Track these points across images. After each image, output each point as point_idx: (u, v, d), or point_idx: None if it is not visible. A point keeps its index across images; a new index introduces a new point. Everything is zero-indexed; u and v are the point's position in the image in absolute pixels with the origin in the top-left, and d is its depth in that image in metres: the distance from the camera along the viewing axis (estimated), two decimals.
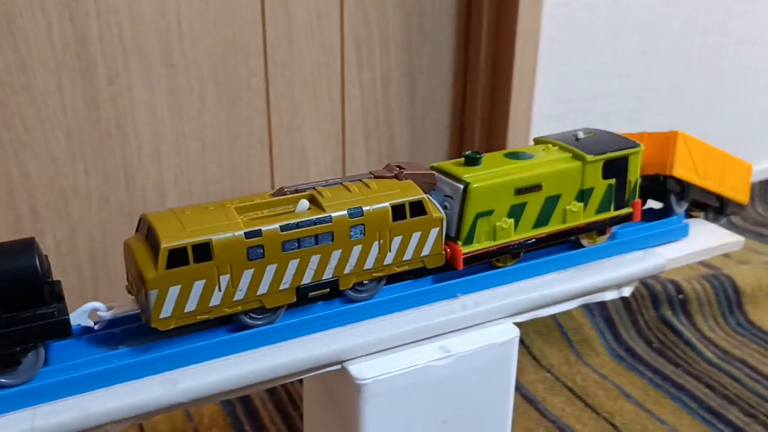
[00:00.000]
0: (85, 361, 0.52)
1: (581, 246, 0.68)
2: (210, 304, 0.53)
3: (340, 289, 0.58)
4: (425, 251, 0.60)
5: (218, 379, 0.53)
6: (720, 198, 0.82)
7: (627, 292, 0.68)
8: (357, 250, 0.57)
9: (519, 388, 1.01)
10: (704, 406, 0.97)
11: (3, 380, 0.49)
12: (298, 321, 0.57)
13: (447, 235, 0.62)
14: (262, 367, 0.54)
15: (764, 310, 1.20)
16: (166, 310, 0.51)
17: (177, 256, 0.50)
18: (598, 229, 0.69)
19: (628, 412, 0.96)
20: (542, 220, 0.65)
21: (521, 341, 1.12)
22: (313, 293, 0.57)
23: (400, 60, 1.13)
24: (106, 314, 0.54)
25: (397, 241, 0.58)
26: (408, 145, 1.19)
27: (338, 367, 0.58)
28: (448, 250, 0.62)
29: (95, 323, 0.54)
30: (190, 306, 0.52)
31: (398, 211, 0.58)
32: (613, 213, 0.69)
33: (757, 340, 1.13)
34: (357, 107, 1.11)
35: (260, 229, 0.53)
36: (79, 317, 0.53)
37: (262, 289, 0.54)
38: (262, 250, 0.53)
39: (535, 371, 1.05)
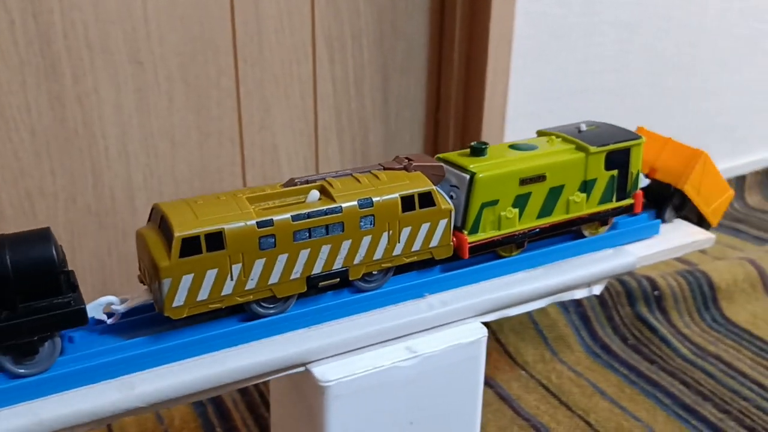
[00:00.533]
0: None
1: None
2: (222, 293, 0.53)
3: (350, 279, 0.58)
4: (434, 242, 0.61)
5: (177, 382, 0.52)
6: (701, 217, 0.83)
7: (597, 290, 0.68)
8: (367, 240, 0.57)
9: (493, 387, 1.00)
10: (679, 403, 0.97)
11: (21, 370, 0.49)
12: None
13: (453, 225, 0.62)
14: (222, 371, 0.53)
15: (739, 305, 1.21)
16: (179, 299, 0.51)
17: (190, 245, 0.50)
18: (600, 219, 0.70)
19: (603, 409, 0.95)
20: (546, 210, 0.66)
21: (497, 339, 1.11)
22: (323, 283, 0.57)
23: (373, 57, 1.12)
24: (120, 307, 0.55)
25: (406, 231, 0.59)
26: (382, 143, 1.18)
27: (302, 369, 0.57)
28: (454, 239, 0.62)
29: (109, 317, 0.55)
30: (203, 295, 0.52)
31: (408, 203, 0.58)
32: (615, 204, 0.70)
33: (731, 335, 1.13)
34: (329, 105, 1.10)
35: (272, 219, 0.53)
36: (93, 310, 0.53)
37: (274, 278, 0.55)
38: (273, 240, 0.53)
39: (510, 369, 1.04)
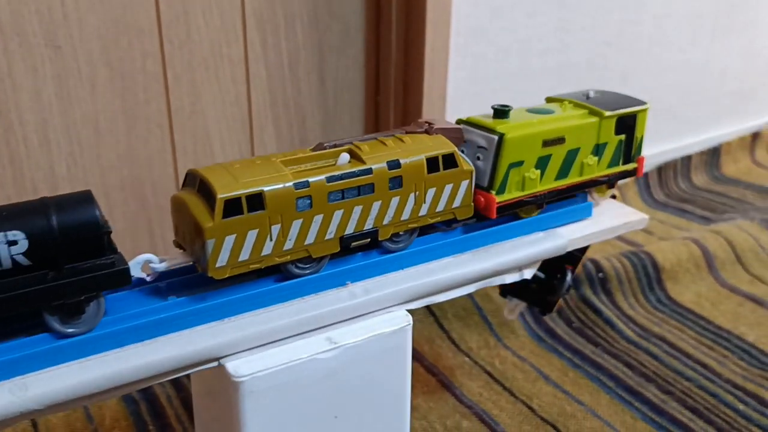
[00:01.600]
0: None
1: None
2: (262, 254, 0.55)
3: (379, 239, 0.60)
4: (456, 203, 0.63)
5: (78, 381, 0.49)
6: None
7: (528, 274, 0.66)
8: (395, 201, 0.59)
9: (436, 374, 0.98)
10: (622, 385, 0.96)
11: (68, 330, 0.50)
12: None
13: (480, 186, 0.65)
14: (124, 368, 0.50)
15: (684, 286, 1.20)
16: (222, 259, 0.53)
17: (232, 206, 0.52)
18: (609, 182, 0.73)
19: (546, 394, 0.94)
20: (563, 172, 0.69)
21: (440, 326, 1.09)
22: (355, 243, 0.59)
23: (308, 39, 1.09)
24: (159, 266, 0.55)
25: (431, 192, 0.61)
26: (321, 127, 1.15)
27: (215, 364, 0.54)
28: (482, 199, 0.64)
29: (147, 275, 0.56)
30: (244, 255, 0.54)
31: (432, 164, 0.60)
32: (621, 168, 0.74)
33: (676, 316, 1.13)
34: (263, 89, 1.07)
35: (308, 181, 0.55)
36: (132, 269, 0.53)
37: (310, 238, 0.56)
38: (309, 201, 0.55)
39: (454, 356, 1.03)
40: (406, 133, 0.63)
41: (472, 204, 0.64)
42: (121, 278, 0.51)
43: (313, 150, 0.59)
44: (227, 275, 0.53)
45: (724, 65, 1.70)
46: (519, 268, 0.65)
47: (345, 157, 0.58)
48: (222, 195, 0.52)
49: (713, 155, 1.73)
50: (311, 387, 0.56)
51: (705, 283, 1.21)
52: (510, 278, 0.65)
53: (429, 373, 0.99)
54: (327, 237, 0.57)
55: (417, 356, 1.02)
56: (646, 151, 1.60)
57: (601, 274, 1.16)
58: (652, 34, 1.50)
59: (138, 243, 1.04)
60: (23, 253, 0.47)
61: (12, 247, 0.47)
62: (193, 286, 0.58)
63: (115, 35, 0.92)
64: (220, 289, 0.57)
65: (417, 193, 0.60)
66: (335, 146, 0.59)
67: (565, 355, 1.03)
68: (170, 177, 1.03)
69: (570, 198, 0.70)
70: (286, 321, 0.55)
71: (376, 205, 0.58)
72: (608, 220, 0.70)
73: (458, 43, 1.17)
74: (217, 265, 0.53)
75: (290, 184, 0.54)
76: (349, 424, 0.59)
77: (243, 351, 0.54)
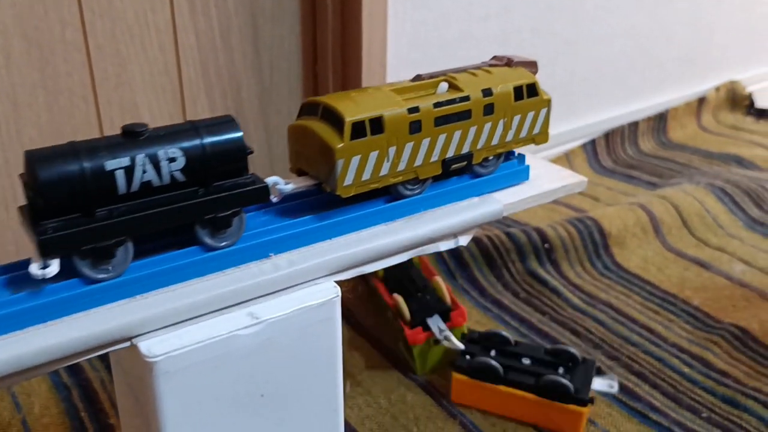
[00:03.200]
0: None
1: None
2: (380, 174, 0.59)
3: (473, 163, 0.65)
4: (536, 129, 0.67)
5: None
6: None
7: (464, 241, 0.63)
8: (487, 127, 0.63)
9: (381, 349, 0.96)
10: None
11: (218, 243, 0.54)
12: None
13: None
14: (24, 352, 0.46)
15: (630, 251, 1.19)
16: (349, 179, 0.57)
17: (358, 129, 0.56)
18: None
19: None
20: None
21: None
22: (454, 166, 0.63)
23: (240, 5, 1.04)
24: (286, 188, 0.58)
25: (516, 119, 0.65)
26: (257, 97, 1.11)
27: (127, 344, 0.50)
28: None
29: (274, 197, 0.59)
30: (366, 175, 0.58)
31: (518, 92, 0.65)
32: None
33: (622, 281, 1.12)
34: (194, 59, 1.02)
35: (418, 107, 0.59)
36: None
37: (418, 160, 0.61)
38: (419, 125, 0.59)
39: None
40: (491, 66, 0.67)
41: (549, 132, 0.69)
42: (261, 194, 0.54)
43: (412, 80, 0.63)
44: (352, 194, 0.58)
45: (670, 30, 1.69)
46: (454, 234, 0.62)
47: (444, 86, 0.62)
48: (349, 119, 0.56)
49: (660, 121, 1.73)
50: (233, 365, 0.52)
51: (651, 248, 1.21)
52: (444, 245, 0.62)
53: (374, 348, 0.96)
54: (432, 159, 0.62)
55: (362, 332, 1.00)
56: (594, 118, 1.60)
57: (546, 245, 1.14)
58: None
59: None
60: (180, 170, 0.51)
61: (171, 164, 0.50)
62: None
63: (29, 3, 0.87)
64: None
65: (505, 119, 0.64)
66: (432, 77, 0.63)
67: (511, 325, 1.01)
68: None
69: (507, 161, 0.68)
70: (203, 296, 0.52)
71: (472, 130, 0.63)
72: (546, 184, 0.67)
73: (397, 10, 1.14)
74: (345, 184, 0.57)
75: (404, 109, 0.58)
76: (278, 403, 0.56)
77: (158, 329, 0.51)
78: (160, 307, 0.50)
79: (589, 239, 1.18)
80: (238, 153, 0.53)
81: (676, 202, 1.28)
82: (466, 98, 0.61)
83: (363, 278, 1.04)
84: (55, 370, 0.90)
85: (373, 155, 0.58)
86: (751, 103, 1.89)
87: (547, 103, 0.67)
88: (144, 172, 0.50)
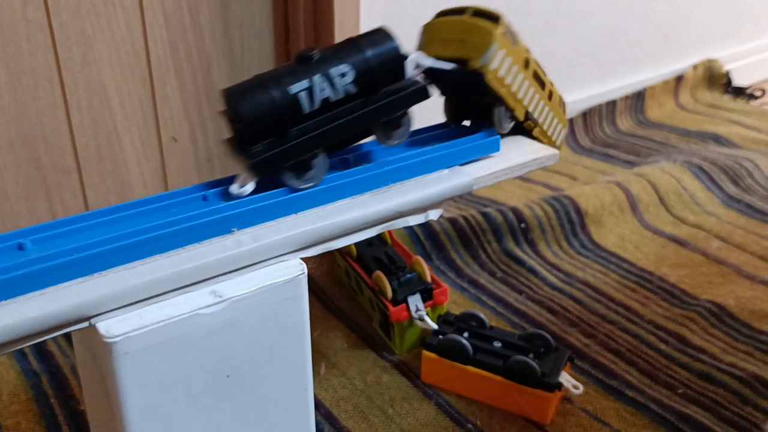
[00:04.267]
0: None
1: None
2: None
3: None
4: None
5: None
6: None
7: (434, 215, 0.62)
8: None
9: (356, 330, 0.95)
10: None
11: (392, 141, 0.61)
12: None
13: None
14: None
15: (607, 229, 1.19)
16: (494, 64, 0.64)
17: (507, 31, 0.66)
18: None
19: None
20: None
21: None
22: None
23: None
24: (427, 61, 0.63)
25: None
26: (228, 78, 1.09)
27: (86, 324, 0.49)
28: None
29: (417, 72, 0.62)
30: (502, 72, 0.65)
31: None
32: None
33: (600, 260, 1.11)
34: (162, 38, 1.00)
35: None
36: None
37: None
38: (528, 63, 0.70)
39: None
40: None
41: None
42: (423, 93, 0.60)
43: None
44: (492, 83, 0.64)
45: (648, 8, 1.68)
46: (423, 209, 0.61)
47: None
48: (502, 18, 0.65)
49: (638, 99, 1.72)
50: (196, 345, 0.51)
51: (628, 226, 1.20)
52: (414, 220, 0.61)
53: (349, 329, 0.95)
54: None
55: (338, 314, 0.99)
56: (571, 97, 1.58)
57: (523, 225, 1.13)
58: None
59: (34, 207, 0.97)
60: (351, 83, 0.57)
61: (343, 79, 0.56)
62: None
63: None
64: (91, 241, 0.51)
65: None
66: None
67: (488, 304, 1.01)
68: (65, 134, 0.96)
69: (478, 132, 0.66)
70: (164, 274, 0.50)
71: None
72: (517, 156, 0.66)
73: None
74: (491, 67, 0.63)
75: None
76: (245, 383, 0.55)
77: (117, 309, 0.49)
78: (119, 285, 0.49)
79: (566, 218, 1.17)
80: (397, 59, 0.59)
81: (653, 179, 1.28)
82: None
83: (337, 259, 1.03)
84: (24, 357, 0.89)
85: (509, 59, 0.65)
86: (729, 82, 1.89)
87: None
88: (322, 90, 0.56)
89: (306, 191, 0.57)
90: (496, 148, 0.66)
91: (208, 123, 1.08)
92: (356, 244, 0.97)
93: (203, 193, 0.57)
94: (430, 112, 0.73)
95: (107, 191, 1.02)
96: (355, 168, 0.60)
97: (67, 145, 0.97)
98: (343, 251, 0.99)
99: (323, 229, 0.56)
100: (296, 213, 0.57)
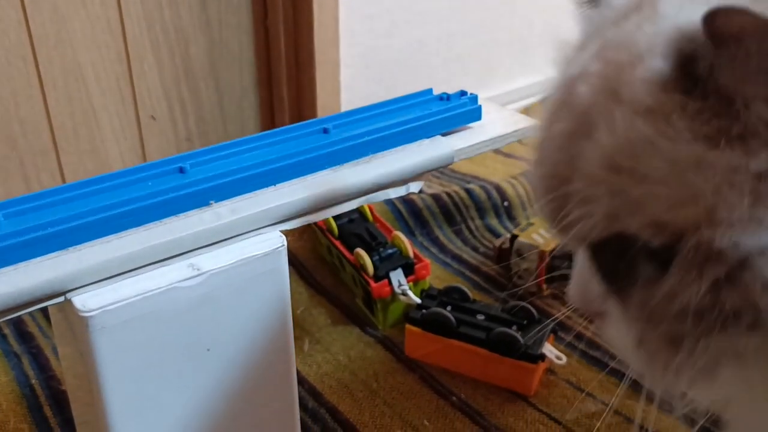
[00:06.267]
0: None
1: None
2: None
3: None
4: None
5: None
6: None
7: (415, 188, 0.62)
8: None
9: (340, 306, 0.94)
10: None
11: None
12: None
13: None
14: None
15: None
16: None
17: None
18: None
19: None
20: None
21: None
22: None
23: None
24: None
25: None
26: (206, 53, 1.07)
27: (61, 299, 0.48)
28: None
29: None
30: None
31: None
32: None
33: None
34: (137, 14, 0.99)
35: None
36: None
37: None
38: None
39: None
40: None
41: None
42: None
43: None
44: None
45: None
46: (403, 181, 0.61)
47: None
48: None
49: None
50: (175, 319, 0.50)
51: None
52: (395, 193, 0.61)
53: (332, 305, 0.95)
54: None
55: (321, 291, 0.98)
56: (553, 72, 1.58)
57: (506, 203, 1.13)
58: None
59: (11, 189, 0.96)
60: None
61: None
62: None
63: None
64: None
65: None
66: None
67: (472, 279, 1.00)
68: (40, 113, 0.95)
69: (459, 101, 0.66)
70: (140, 247, 0.49)
71: None
72: (498, 128, 0.65)
73: None
74: None
75: None
76: (226, 356, 0.54)
77: (93, 283, 0.48)
78: (95, 259, 0.48)
79: None
80: None
81: None
82: None
83: (319, 237, 1.02)
84: (5, 338, 0.88)
85: None
86: None
87: None
88: None
89: (284, 163, 0.56)
90: (478, 117, 0.66)
91: (187, 101, 1.07)
92: (337, 222, 0.96)
93: (180, 165, 0.56)
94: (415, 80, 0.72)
95: (85, 171, 1.01)
96: (335, 138, 0.59)
97: (43, 124, 0.95)
98: (324, 228, 0.98)
99: (303, 201, 0.55)
100: (275, 185, 0.56)
